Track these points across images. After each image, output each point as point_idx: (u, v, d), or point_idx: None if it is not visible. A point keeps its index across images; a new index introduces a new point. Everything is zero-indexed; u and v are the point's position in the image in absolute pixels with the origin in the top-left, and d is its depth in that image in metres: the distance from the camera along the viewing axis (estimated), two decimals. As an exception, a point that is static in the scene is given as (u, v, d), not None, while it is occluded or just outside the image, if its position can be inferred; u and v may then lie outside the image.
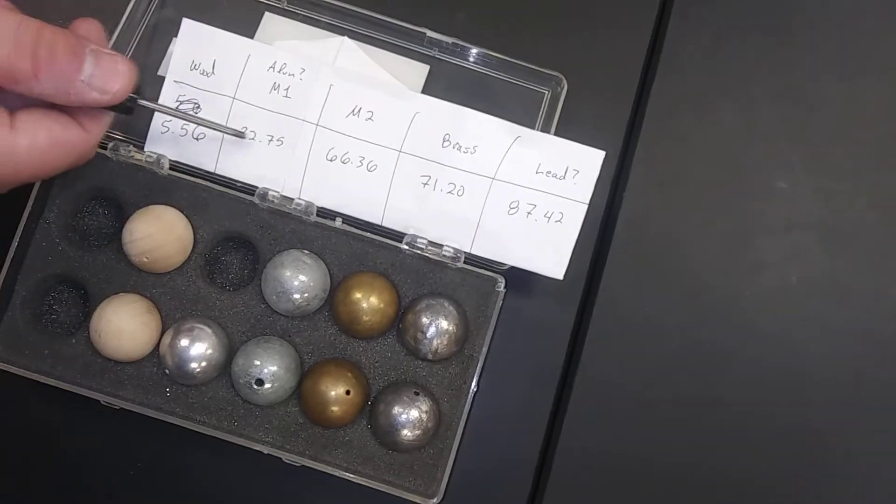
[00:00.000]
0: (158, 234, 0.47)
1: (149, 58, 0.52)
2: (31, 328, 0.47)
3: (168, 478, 0.49)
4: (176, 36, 0.50)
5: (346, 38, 0.52)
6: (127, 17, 0.51)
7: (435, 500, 0.46)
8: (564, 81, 0.51)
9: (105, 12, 0.49)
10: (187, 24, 0.49)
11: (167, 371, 0.47)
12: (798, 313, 0.51)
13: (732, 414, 0.50)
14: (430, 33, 0.52)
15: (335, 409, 0.46)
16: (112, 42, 0.50)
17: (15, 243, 0.47)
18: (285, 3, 0.53)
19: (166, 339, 0.47)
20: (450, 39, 0.52)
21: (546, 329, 0.50)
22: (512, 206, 0.48)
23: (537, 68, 0.52)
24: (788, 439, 0.50)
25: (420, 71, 0.53)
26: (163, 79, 0.50)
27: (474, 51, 0.52)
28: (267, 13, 0.53)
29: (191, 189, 0.48)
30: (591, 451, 0.49)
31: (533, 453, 0.49)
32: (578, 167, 0.48)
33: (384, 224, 0.49)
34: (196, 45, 0.49)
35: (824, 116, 0.53)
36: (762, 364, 0.51)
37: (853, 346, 0.51)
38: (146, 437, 0.49)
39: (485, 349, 0.47)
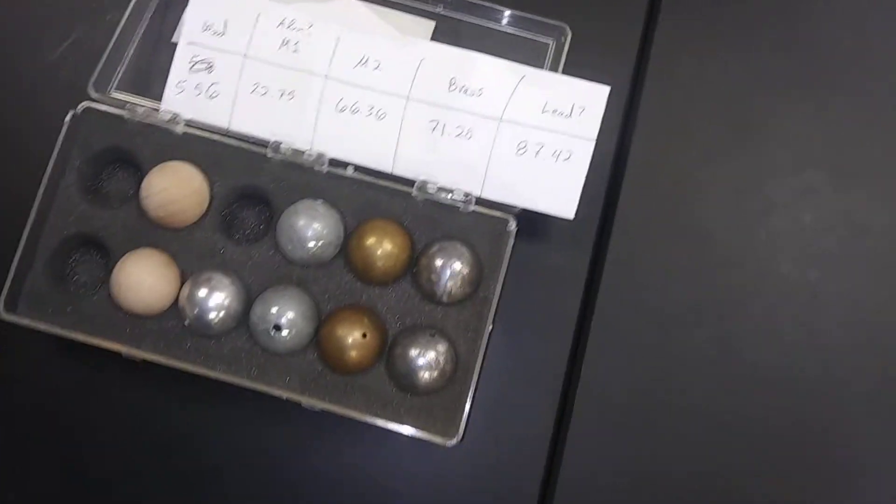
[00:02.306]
0: (175, 187, 0.48)
1: (163, 26, 0.53)
2: (53, 288, 0.48)
3: (188, 428, 0.49)
4: (187, 6, 0.52)
5: (351, -2, 0.53)
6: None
7: (454, 440, 0.45)
8: (568, 30, 0.52)
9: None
10: (197, -11, 0.50)
11: (187, 322, 0.47)
12: (813, 253, 0.51)
13: (747, 355, 0.50)
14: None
15: (353, 353, 0.46)
16: (127, 13, 0.52)
17: (36, 206, 0.48)
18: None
19: (185, 290, 0.47)
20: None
21: (560, 271, 0.51)
22: (520, 146, 0.49)
23: (541, 19, 0.52)
24: (804, 385, 0.49)
25: (426, 27, 0.54)
26: (176, 45, 0.51)
27: (478, 4, 0.53)
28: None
29: (206, 145, 0.49)
30: (611, 387, 0.49)
31: (552, 394, 0.49)
32: (584, 104, 0.48)
33: (395, 171, 0.49)
34: (208, 6, 0.50)
35: (830, 59, 0.53)
36: (778, 306, 0.50)
37: (869, 284, 0.51)
38: (166, 390, 0.49)
39: (498, 289, 0.47)
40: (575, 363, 0.50)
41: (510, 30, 0.54)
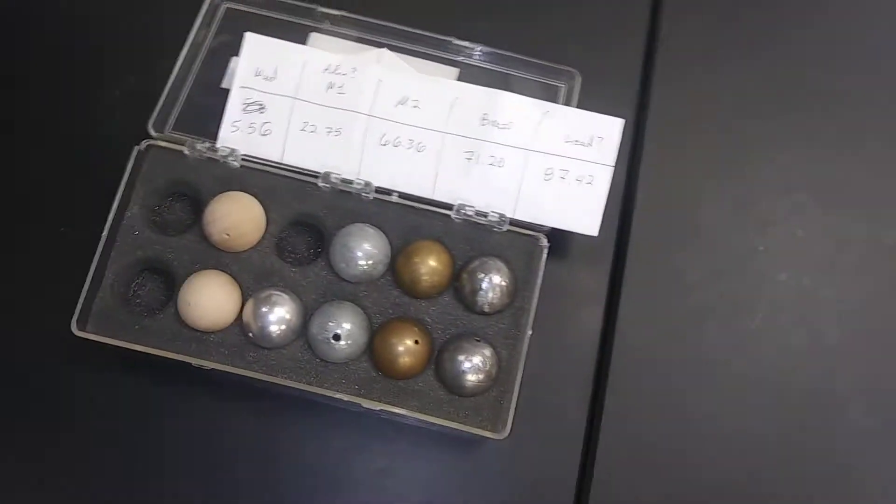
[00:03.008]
0: (237, 212, 0.52)
1: (212, 74, 0.59)
2: (120, 309, 0.52)
3: (250, 438, 0.52)
4: (235, 54, 0.57)
5: (385, 49, 0.60)
6: (191, 43, 0.58)
7: (504, 434, 0.50)
8: (578, 75, 0.59)
9: (171, 39, 0.56)
10: (250, 37, 0.56)
11: (250, 334, 0.51)
12: (805, 262, 0.58)
13: (753, 352, 0.55)
14: (455, 41, 0.59)
15: (405, 359, 0.51)
16: (179, 61, 0.57)
17: (105, 234, 0.52)
18: (328, 24, 0.60)
19: (248, 307, 0.51)
20: (475, 45, 0.59)
21: (584, 282, 0.56)
22: (547, 172, 0.55)
23: (552, 65, 0.59)
24: (804, 378, 0.55)
25: (451, 73, 0.60)
26: (226, 91, 0.56)
27: (496, 53, 0.59)
28: (312, 33, 0.61)
29: (261, 177, 0.54)
30: (638, 381, 0.54)
31: (584, 391, 0.54)
32: (602, 134, 0.55)
33: (435, 197, 0.55)
34: (258, 55, 0.56)
35: (813, 89, 0.61)
36: (778, 309, 0.57)
37: (855, 286, 0.57)
38: (230, 402, 0.53)
39: (535, 298, 0.53)
40: (602, 363, 0.55)
41: (525, 75, 0.60)
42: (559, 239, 0.54)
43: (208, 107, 0.57)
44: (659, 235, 0.57)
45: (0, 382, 0.53)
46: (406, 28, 0.59)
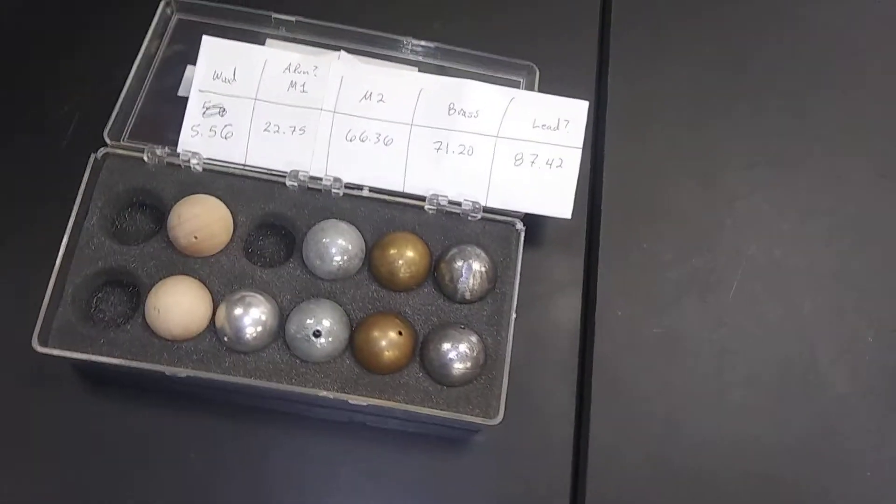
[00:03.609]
0: (204, 214, 0.51)
1: (166, 83, 0.57)
2: (83, 323, 0.49)
3: (229, 450, 0.50)
4: (191, 63, 0.56)
5: (342, 51, 0.59)
6: (143, 53, 0.56)
7: (497, 419, 0.48)
8: (536, 69, 0.59)
9: (123, 50, 0.55)
10: (208, 40, 0.55)
11: (225, 339, 0.49)
12: (772, 235, 0.59)
13: (729, 321, 0.56)
14: (412, 40, 0.59)
15: (389, 352, 0.49)
16: (132, 72, 0.55)
17: (63, 246, 0.49)
18: (283, 31, 0.60)
19: (221, 311, 0.49)
20: (431, 43, 0.59)
21: (560, 264, 0.56)
22: (517, 158, 0.55)
23: (510, 59, 0.60)
24: (783, 345, 0.55)
25: (410, 72, 0.60)
26: (184, 99, 0.55)
27: (454, 51, 0.60)
28: (269, 40, 0.60)
29: (225, 179, 0.53)
30: (623, 357, 0.54)
31: (569, 371, 0.53)
32: (568, 117, 0.55)
33: (406, 189, 0.54)
34: (216, 58, 0.55)
35: (769, 62, 0.63)
36: (751, 281, 0.57)
37: (823, 255, 0.58)
38: (206, 414, 0.50)
39: (517, 281, 0.52)
40: (585, 345, 0.54)
41: (484, 72, 0.61)
42: (532, 225, 0.54)
43: (165, 115, 0.56)
44: (629, 216, 0.58)
45: None
46: (362, 30, 0.59)
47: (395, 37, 0.59)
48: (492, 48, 0.59)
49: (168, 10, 0.58)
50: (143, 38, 0.57)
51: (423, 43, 0.59)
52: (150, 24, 0.57)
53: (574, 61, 0.62)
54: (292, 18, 0.59)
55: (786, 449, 0.53)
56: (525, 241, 0.53)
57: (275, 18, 0.59)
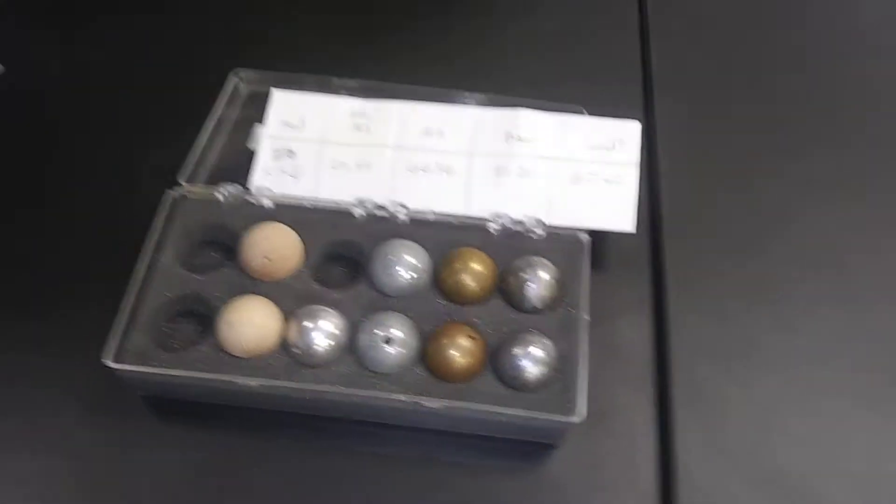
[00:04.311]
0: (276, 236, 0.52)
1: (235, 139, 0.61)
2: (155, 346, 0.49)
3: (296, 469, 0.48)
4: (259, 121, 0.60)
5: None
6: (214, 114, 0.61)
7: (580, 417, 0.46)
8: (584, 110, 0.62)
9: (196, 115, 0.59)
10: (277, 93, 0.59)
11: (296, 352, 0.49)
12: (839, 253, 0.58)
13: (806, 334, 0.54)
14: (466, 93, 0.62)
15: (462, 359, 0.48)
16: (204, 130, 0.59)
17: (138, 275, 0.51)
18: (344, 93, 0.64)
19: (291, 325, 0.49)
20: (483, 94, 0.63)
21: (627, 282, 0.55)
22: (575, 177, 0.56)
23: (558, 104, 0.62)
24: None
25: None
26: (253, 152, 0.59)
27: (505, 98, 0.63)
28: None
29: (295, 212, 0.55)
30: (700, 354, 0.51)
31: (647, 383, 0.51)
32: (622, 137, 0.57)
33: (469, 213, 0.55)
34: (285, 108, 0.59)
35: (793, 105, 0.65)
36: (821, 288, 0.56)
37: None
38: (278, 433, 0.49)
39: (586, 286, 0.51)
40: (662, 354, 0.52)
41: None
42: (594, 243, 0.54)
43: (235, 165, 0.59)
44: (691, 229, 0.58)
45: (33, 416, 0.49)
46: (418, 87, 0.62)
47: (449, 89, 0.62)
48: (538, 93, 0.62)
49: (237, 78, 0.63)
50: (215, 101, 0.61)
51: (476, 94, 0.62)
52: (220, 90, 0.61)
53: (619, 99, 0.64)
54: (353, 82, 0.63)
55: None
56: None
57: (336, 82, 0.63)
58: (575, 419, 0.46)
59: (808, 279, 0.55)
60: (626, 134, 0.57)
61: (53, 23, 0.71)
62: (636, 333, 0.54)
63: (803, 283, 0.55)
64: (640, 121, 0.58)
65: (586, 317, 0.50)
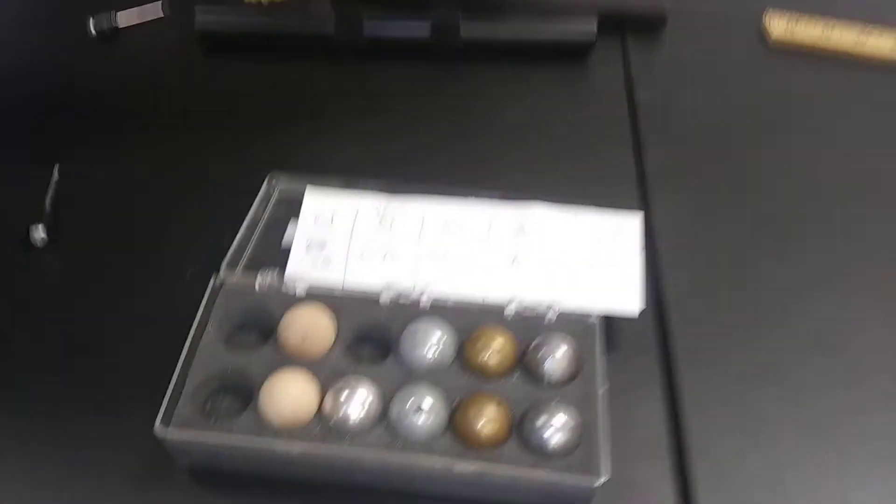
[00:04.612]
0: (311, 316, 0.56)
1: (270, 237, 0.66)
2: (199, 418, 0.53)
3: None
4: (293, 217, 0.66)
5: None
6: (251, 216, 0.66)
7: (603, 478, 0.49)
8: (589, 205, 0.68)
9: (232, 217, 0.65)
10: (310, 192, 0.65)
11: (331, 423, 0.52)
12: (842, 312, 0.63)
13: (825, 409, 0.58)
14: (481, 190, 0.69)
15: (489, 426, 0.52)
16: (244, 226, 0.65)
17: (185, 351, 0.55)
18: (373, 194, 0.70)
19: (328, 397, 0.53)
20: (494, 192, 0.69)
21: (637, 363, 0.59)
22: (583, 264, 0.61)
23: (566, 199, 0.68)
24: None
25: (480, 221, 0.69)
26: (287, 251, 0.64)
27: (515, 198, 0.69)
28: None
29: (327, 298, 0.59)
30: (717, 441, 0.55)
31: (664, 457, 0.54)
32: (625, 228, 0.63)
33: (487, 300, 0.60)
34: (317, 205, 0.65)
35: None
36: (831, 368, 0.60)
37: None
38: (315, 498, 0.51)
39: (600, 360, 0.55)
40: (678, 429, 0.56)
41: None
42: (604, 326, 0.58)
43: (272, 258, 0.64)
44: (694, 314, 0.62)
45: (81, 480, 0.52)
46: (436, 185, 0.68)
47: (467, 188, 0.68)
48: (546, 192, 0.68)
49: (272, 184, 0.69)
50: (253, 201, 0.67)
51: (490, 192, 0.68)
52: (258, 191, 0.67)
53: (619, 193, 0.70)
54: (377, 182, 0.69)
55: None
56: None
57: (361, 182, 0.69)
58: (600, 479, 0.49)
59: (810, 360, 0.59)
60: (628, 225, 0.63)
61: (105, 135, 0.77)
62: (650, 408, 0.57)
63: (805, 363, 0.59)
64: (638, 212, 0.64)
65: (603, 388, 0.54)
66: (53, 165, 0.66)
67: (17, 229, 0.67)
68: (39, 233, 0.66)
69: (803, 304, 0.63)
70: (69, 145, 0.75)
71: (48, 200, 0.66)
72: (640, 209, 0.69)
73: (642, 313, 0.59)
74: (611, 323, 0.59)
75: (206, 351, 0.56)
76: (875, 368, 0.59)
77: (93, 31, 0.89)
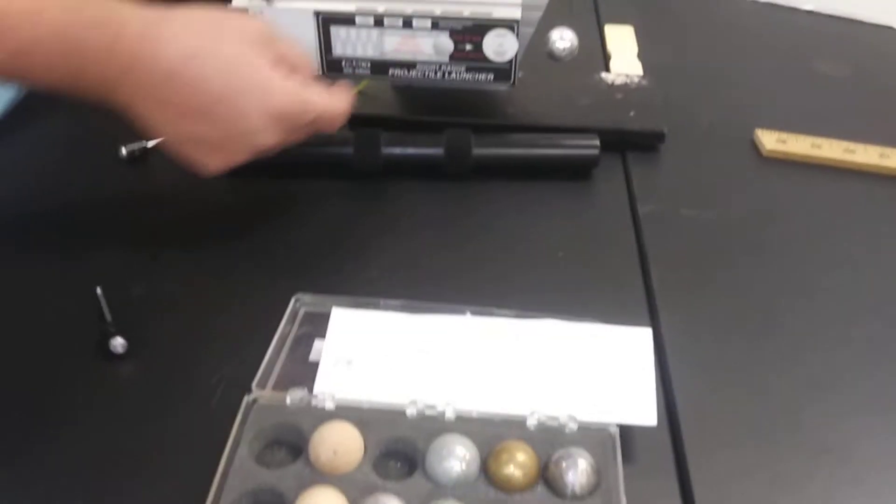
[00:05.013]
0: (341, 432, 0.59)
1: (298, 354, 0.70)
2: (234, 535, 0.55)
3: None
4: (319, 336, 0.69)
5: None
6: (279, 334, 0.70)
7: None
8: (600, 321, 0.72)
9: (261, 335, 0.68)
10: (336, 311, 0.69)
11: (363, 537, 0.54)
12: (851, 415, 0.65)
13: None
14: (496, 310, 0.72)
15: (515, 540, 0.54)
16: (272, 346, 0.68)
17: (220, 469, 0.57)
18: (391, 311, 0.73)
19: (359, 512, 0.55)
20: (500, 310, 0.72)
21: (654, 474, 0.62)
22: (595, 378, 0.64)
23: (577, 316, 0.72)
24: None
25: (497, 334, 0.72)
26: (315, 366, 0.67)
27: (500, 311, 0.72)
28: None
29: (355, 412, 0.62)
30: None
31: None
32: (636, 342, 0.66)
33: (508, 410, 0.63)
34: (343, 323, 0.68)
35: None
36: (845, 479, 0.62)
37: None
38: None
39: (620, 473, 0.58)
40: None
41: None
42: (622, 438, 0.61)
43: (300, 376, 0.67)
44: (707, 423, 0.65)
45: None
46: (453, 304, 0.72)
47: (484, 307, 0.72)
48: (558, 309, 0.71)
49: (297, 303, 0.73)
50: (280, 320, 0.70)
51: (506, 310, 0.72)
52: (284, 310, 0.71)
53: (628, 309, 0.74)
54: (396, 302, 0.73)
55: None
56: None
57: (383, 303, 0.73)
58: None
59: (821, 468, 0.61)
60: (638, 339, 0.66)
61: (137, 253, 0.81)
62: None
63: (817, 471, 0.61)
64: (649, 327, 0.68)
65: (623, 500, 0.56)
66: (95, 287, 0.70)
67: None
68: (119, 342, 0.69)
69: (811, 411, 0.66)
70: (101, 266, 0.79)
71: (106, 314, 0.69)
72: (649, 320, 0.73)
73: (656, 426, 0.61)
74: (626, 435, 0.61)
75: (239, 469, 0.58)
76: (885, 473, 0.61)
77: (124, 153, 0.94)
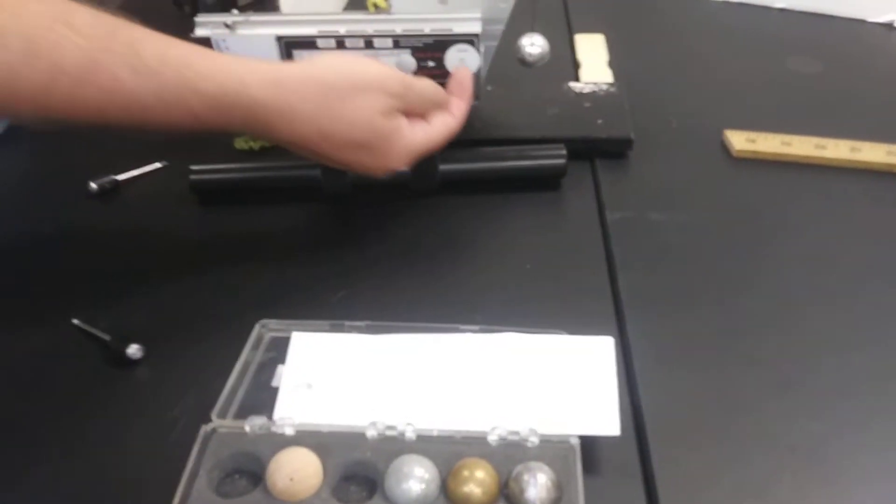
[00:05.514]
0: (299, 459, 0.59)
1: (261, 379, 0.69)
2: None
3: None
4: (281, 363, 0.69)
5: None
6: (242, 360, 0.70)
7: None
8: (563, 331, 0.71)
9: (223, 362, 0.68)
10: (296, 335, 0.69)
11: (321, 564, 0.53)
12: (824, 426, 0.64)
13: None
14: (460, 326, 0.72)
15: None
16: (234, 373, 0.68)
17: (177, 501, 0.57)
18: (356, 333, 0.73)
19: (316, 539, 0.55)
20: (475, 327, 0.72)
21: (618, 485, 0.61)
22: (557, 390, 0.64)
23: (541, 328, 0.72)
24: None
25: (462, 350, 0.72)
26: (276, 389, 0.67)
27: (492, 329, 0.72)
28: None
29: (314, 437, 0.62)
30: None
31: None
32: (599, 351, 0.66)
33: (469, 427, 0.62)
34: (303, 348, 0.68)
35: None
36: (814, 479, 0.62)
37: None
38: None
39: (580, 487, 0.57)
40: None
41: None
42: (585, 449, 0.60)
43: (261, 402, 0.66)
44: (673, 430, 0.64)
45: None
46: (416, 323, 0.72)
47: (446, 325, 0.72)
48: (521, 321, 0.71)
49: (262, 329, 0.72)
50: (242, 347, 0.70)
51: (468, 326, 0.72)
52: (247, 337, 0.71)
53: (593, 317, 0.73)
54: (361, 323, 0.72)
55: None
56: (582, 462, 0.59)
57: (348, 325, 0.72)
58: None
59: (791, 473, 0.61)
60: (601, 348, 0.65)
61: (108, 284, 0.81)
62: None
63: (786, 477, 0.60)
64: (613, 336, 0.67)
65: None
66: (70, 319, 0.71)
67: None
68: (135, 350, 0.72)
69: (778, 413, 0.65)
70: (72, 297, 0.79)
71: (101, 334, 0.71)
72: (616, 328, 0.72)
73: (621, 435, 0.61)
74: (590, 446, 0.61)
75: (196, 500, 0.57)
76: (854, 472, 0.60)
77: (94, 187, 0.94)
